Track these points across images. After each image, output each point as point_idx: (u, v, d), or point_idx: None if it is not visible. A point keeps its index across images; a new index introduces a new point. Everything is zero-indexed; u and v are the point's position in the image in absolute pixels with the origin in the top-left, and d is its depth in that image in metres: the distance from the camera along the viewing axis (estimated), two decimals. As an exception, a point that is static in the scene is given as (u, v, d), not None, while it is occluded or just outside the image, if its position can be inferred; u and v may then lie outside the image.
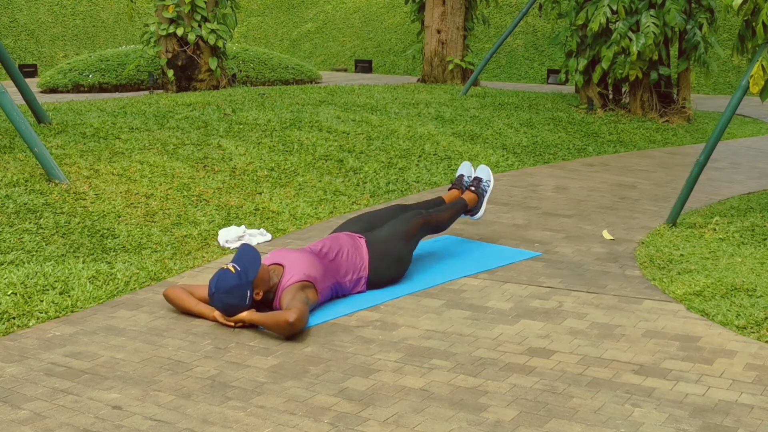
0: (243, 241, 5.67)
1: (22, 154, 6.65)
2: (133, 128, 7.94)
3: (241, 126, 8.46)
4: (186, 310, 4.42)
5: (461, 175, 5.89)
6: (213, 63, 12.54)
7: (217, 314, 4.31)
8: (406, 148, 8.47)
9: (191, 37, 12.32)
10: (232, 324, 4.25)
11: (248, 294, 4.25)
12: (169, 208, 6.14)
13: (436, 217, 5.33)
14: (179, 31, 12.28)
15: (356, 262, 4.78)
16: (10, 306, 4.36)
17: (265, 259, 4.58)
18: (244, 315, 4.23)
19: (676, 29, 10.88)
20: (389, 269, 4.92)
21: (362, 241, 4.90)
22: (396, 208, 5.37)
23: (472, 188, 5.75)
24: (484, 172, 5.83)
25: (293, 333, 4.09)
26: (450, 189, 5.84)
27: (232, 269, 4.27)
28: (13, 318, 4.28)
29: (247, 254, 4.35)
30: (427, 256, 5.51)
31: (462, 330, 4.27)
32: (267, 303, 4.42)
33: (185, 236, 5.75)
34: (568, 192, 7.56)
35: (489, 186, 5.79)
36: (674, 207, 6.35)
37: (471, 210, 5.72)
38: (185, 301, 4.41)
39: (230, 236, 5.69)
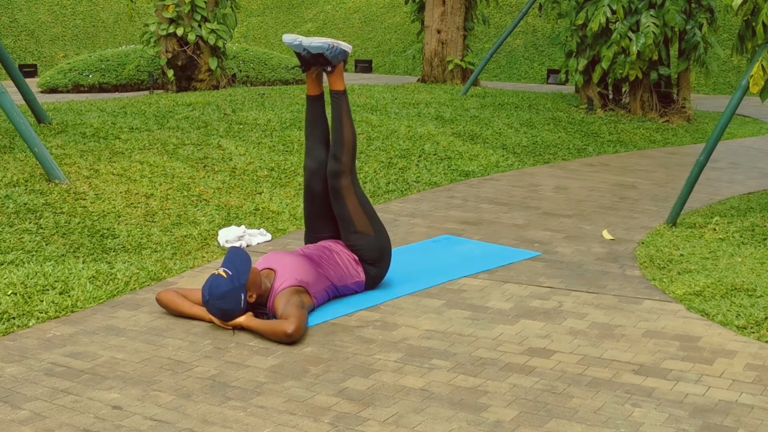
0: (243, 241, 5.67)
1: (22, 154, 6.65)
2: (133, 128, 7.94)
3: (241, 126, 8.46)
4: (181, 313, 4.39)
5: (300, 56, 4.84)
6: (213, 63, 12.53)
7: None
8: (406, 148, 8.47)
9: (191, 37, 12.32)
10: (230, 328, 4.24)
11: (242, 297, 4.20)
12: (169, 208, 6.14)
13: (345, 154, 4.83)
14: (179, 31, 12.28)
15: (349, 266, 4.74)
16: (10, 306, 4.36)
17: (258, 264, 4.52)
18: (242, 320, 4.20)
19: (676, 29, 10.87)
20: (379, 256, 4.80)
21: (342, 246, 4.79)
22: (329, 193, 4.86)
23: (328, 69, 4.92)
24: (314, 43, 4.74)
25: (291, 343, 4.06)
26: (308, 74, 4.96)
27: (224, 274, 4.21)
28: (13, 318, 4.28)
29: (236, 257, 4.29)
30: (427, 256, 5.51)
31: (462, 330, 4.27)
32: (261, 304, 4.38)
33: (185, 236, 5.75)
34: (568, 192, 7.56)
35: (335, 48, 4.80)
36: (674, 207, 6.35)
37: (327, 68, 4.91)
38: (179, 304, 4.38)
39: (230, 236, 5.69)
